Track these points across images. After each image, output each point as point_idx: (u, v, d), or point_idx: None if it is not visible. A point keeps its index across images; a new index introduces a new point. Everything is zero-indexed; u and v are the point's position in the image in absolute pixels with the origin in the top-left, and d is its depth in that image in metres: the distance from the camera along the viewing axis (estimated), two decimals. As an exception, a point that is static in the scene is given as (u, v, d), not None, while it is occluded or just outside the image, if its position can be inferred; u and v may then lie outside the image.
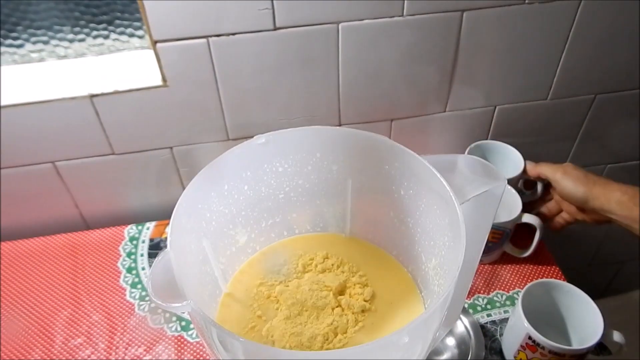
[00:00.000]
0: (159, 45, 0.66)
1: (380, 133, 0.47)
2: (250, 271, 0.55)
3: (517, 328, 0.59)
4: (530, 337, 0.58)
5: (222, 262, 0.52)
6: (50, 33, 0.70)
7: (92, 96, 0.69)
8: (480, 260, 0.71)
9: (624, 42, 0.75)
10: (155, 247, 0.79)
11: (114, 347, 0.66)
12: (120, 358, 0.65)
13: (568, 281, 0.64)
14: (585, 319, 0.60)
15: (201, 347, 0.66)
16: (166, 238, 0.62)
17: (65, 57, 0.73)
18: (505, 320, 0.68)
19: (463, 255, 0.36)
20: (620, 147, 0.93)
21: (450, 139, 0.85)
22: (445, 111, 0.80)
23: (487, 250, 0.72)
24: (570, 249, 1.10)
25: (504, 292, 0.72)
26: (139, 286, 0.74)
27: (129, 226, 0.82)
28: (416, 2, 0.66)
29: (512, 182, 0.76)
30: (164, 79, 0.69)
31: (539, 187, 0.82)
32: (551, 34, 0.73)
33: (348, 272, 0.53)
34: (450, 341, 0.64)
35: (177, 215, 0.40)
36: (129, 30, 0.72)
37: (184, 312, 0.69)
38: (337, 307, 0.49)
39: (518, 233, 0.75)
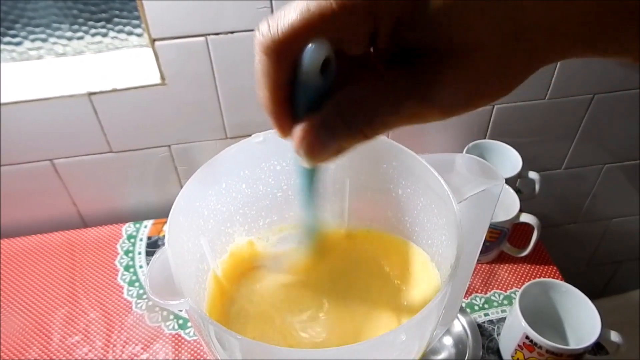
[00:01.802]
0: (157, 43, 0.66)
1: (378, 132, 0.47)
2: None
3: (515, 327, 0.59)
4: (527, 337, 0.58)
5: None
6: (48, 31, 0.70)
7: (91, 94, 0.69)
8: (478, 260, 0.71)
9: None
10: (153, 245, 0.79)
11: (111, 345, 0.66)
12: (117, 356, 0.65)
13: (566, 281, 0.64)
14: (583, 319, 0.60)
15: (199, 346, 0.66)
16: (164, 236, 0.62)
17: (63, 54, 0.73)
18: (503, 319, 0.68)
19: (460, 255, 0.36)
20: (618, 147, 0.93)
21: (449, 138, 0.85)
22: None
23: (485, 249, 0.72)
24: (568, 248, 1.11)
25: (501, 291, 0.72)
26: (137, 284, 0.73)
27: (127, 224, 0.82)
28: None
29: (510, 181, 0.76)
30: (162, 77, 0.69)
31: (537, 186, 0.82)
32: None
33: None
34: (448, 340, 0.64)
35: (175, 213, 0.40)
36: (127, 28, 0.72)
37: (181, 310, 0.69)
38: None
39: (516, 232, 0.75)
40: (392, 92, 0.22)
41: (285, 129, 0.24)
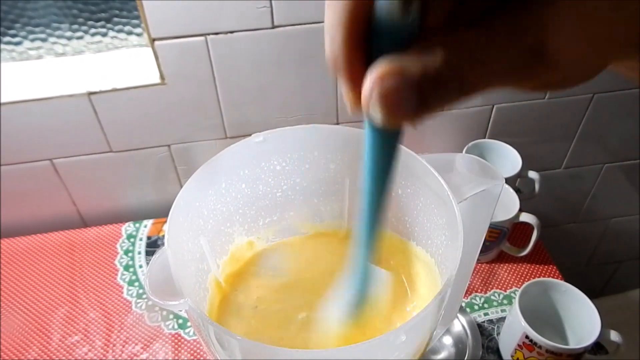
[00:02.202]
0: (157, 43, 0.66)
1: (378, 132, 0.47)
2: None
3: (514, 327, 0.59)
4: (527, 336, 0.58)
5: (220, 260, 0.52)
6: (48, 30, 0.70)
7: (90, 94, 0.69)
8: (478, 260, 0.71)
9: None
10: (153, 245, 0.79)
11: (111, 345, 0.66)
12: (117, 356, 0.65)
13: (565, 280, 0.64)
14: (583, 319, 0.60)
15: (198, 345, 0.66)
16: (163, 236, 0.62)
17: (63, 54, 0.73)
18: (503, 319, 0.68)
19: (460, 255, 0.36)
20: (618, 147, 0.93)
21: (448, 138, 0.85)
22: (442, 110, 0.79)
23: (485, 249, 0.72)
24: (567, 248, 1.11)
25: (501, 291, 0.72)
26: (136, 284, 0.73)
27: (127, 224, 0.82)
28: (415, 0, 0.66)
29: (509, 181, 0.76)
30: (162, 77, 0.69)
31: (537, 185, 0.82)
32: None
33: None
34: (448, 340, 0.64)
35: (175, 213, 0.40)
36: (127, 28, 0.72)
37: (181, 310, 0.69)
38: None
39: (515, 232, 0.75)
40: (496, 37, 0.17)
41: (357, 82, 0.18)
